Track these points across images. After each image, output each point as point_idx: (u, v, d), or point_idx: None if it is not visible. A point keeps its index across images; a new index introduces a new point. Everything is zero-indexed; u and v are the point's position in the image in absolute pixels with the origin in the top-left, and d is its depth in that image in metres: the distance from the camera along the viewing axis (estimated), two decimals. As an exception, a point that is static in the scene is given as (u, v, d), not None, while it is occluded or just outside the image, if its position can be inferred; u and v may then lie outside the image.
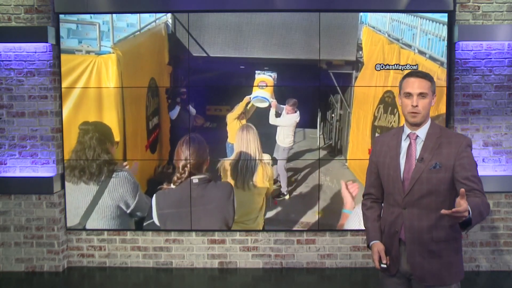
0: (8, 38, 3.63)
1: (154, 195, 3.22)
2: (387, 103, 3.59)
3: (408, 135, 1.98)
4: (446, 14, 3.66)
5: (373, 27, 3.60)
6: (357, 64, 3.66)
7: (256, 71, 3.63)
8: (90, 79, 3.62)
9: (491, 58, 3.65)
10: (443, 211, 1.64)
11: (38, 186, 3.71)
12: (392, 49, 3.64)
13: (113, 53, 3.52)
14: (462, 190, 1.64)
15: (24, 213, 3.78)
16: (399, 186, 1.95)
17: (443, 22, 3.64)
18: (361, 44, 3.64)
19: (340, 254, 3.88)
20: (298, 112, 3.70)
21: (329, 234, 3.87)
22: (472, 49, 3.65)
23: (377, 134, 3.64)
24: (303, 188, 3.77)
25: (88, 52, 3.52)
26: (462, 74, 3.67)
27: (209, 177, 3.20)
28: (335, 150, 3.73)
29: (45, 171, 3.77)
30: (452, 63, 3.70)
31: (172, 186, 3.24)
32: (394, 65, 3.68)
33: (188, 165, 3.13)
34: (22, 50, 3.69)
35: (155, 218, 3.22)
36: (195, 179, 3.09)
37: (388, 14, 3.66)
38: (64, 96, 3.75)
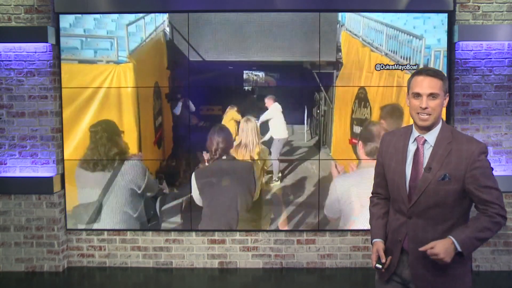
0: (8, 38, 3.63)
1: (194, 172, 3.84)
2: (360, 98, 3.87)
3: (415, 139, 1.83)
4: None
5: (350, 31, 3.87)
6: (337, 65, 3.88)
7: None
8: (111, 85, 3.88)
9: (491, 58, 3.65)
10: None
11: (38, 186, 3.72)
12: (364, 52, 3.88)
13: (129, 62, 3.84)
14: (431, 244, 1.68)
15: (24, 213, 3.79)
16: (404, 194, 1.82)
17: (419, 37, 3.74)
18: (340, 46, 3.88)
19: (340, 254, 3.89)
20: (277, 102, 3.95)
21: (329, 234, 3.87)
22: (472, 49, 3.65)
23: (354, 126, 3.85)
24: (293, 176, 3.97)
25: (108, 62, 3.87)
26: (462, 74, 3.67)
27: (234, 156, 3.89)
28: (321, 142, 3.99)
29: (45, 171, 3.78)
30: (452, 63, 3.70)
31: (206, 164, 3.87)
32: (393, 65, 3.73)
33: (219, 149, 3.78)
34: (22, 50, 3.70)
35: (195, 191, 3.81)
36: (224, 156, 3.81)
37: (363, 20, 3.82)
38: (88, 99, 3.84)
